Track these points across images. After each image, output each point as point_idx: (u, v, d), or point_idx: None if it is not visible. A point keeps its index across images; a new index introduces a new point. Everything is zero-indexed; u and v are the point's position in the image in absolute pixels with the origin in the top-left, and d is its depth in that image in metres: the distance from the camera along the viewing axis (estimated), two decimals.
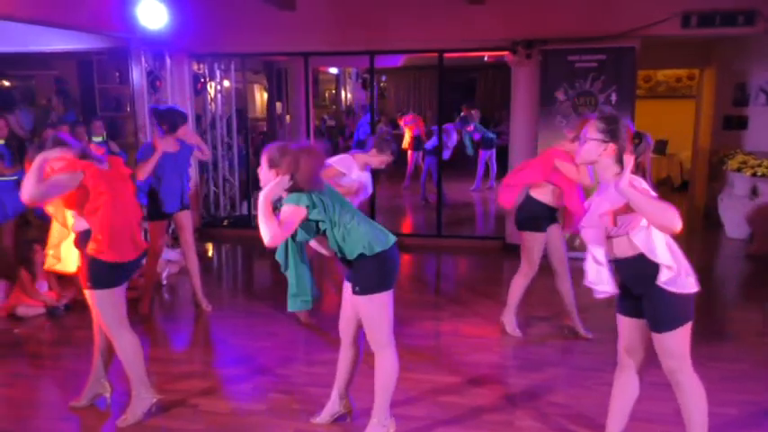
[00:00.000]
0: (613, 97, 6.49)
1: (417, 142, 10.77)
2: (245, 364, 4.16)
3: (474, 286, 5.90)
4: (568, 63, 6.55)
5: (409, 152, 10.90)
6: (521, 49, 6.72)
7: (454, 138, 10.13)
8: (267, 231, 2.66)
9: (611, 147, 2.51)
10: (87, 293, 3.18)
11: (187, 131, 5.04)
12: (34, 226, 7.02)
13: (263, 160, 2.79)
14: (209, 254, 7.36)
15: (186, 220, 5.08)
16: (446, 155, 9.74)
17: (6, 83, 11.04)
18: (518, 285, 4.54)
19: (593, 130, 2.55)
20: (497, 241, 7.36)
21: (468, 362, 4.14)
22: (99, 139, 6.97)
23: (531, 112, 6.87)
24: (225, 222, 8.51)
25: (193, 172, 7.73)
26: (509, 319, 4.61)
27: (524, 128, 6.94)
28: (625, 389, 2.81)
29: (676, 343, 2.56)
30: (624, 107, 6.45)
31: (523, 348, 4.40)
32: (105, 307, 3.15)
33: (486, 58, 10.66)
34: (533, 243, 4.39)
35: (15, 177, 5.83)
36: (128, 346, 3.25)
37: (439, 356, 4.24)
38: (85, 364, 3.77)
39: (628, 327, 2.72)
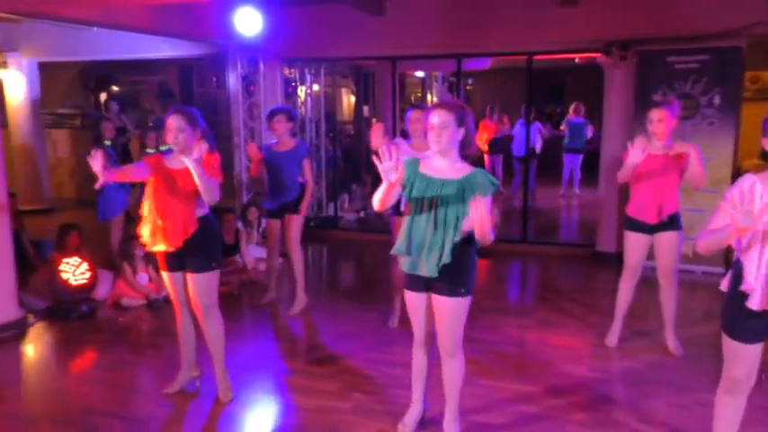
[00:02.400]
0: (716, 100, 6.13)
1: (494, 145, 10.58)
2: (330, 363, 4.22)
3: (562, 294, 5.74)
4: (667, 64, 6.24)
5: (486, 156, 10.74)
6: (615, 50, 6.47)
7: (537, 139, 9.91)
8: (489, 227, 2.56)
9: None
10: (194, 277, 3.40)
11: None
12: (136, 222, 7.45)
13: (443, 118, 2.73)
14: None
15: (291, 221, 5.13)
16: (519, 151, 9.59)
17: (116, 87, 11.79)
18: (619, 293, 4.36)
19: None
20: (586, 249, 7.12)
21: (554, 372, 4.02)
22: None
23: (626, 115, 6.60)
24: (311, 223, 8.69)
25: None
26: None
27: (618, 131, 6.67)
28: (738, 414, 2.63)
29: None
30: (729, 110, 6.08)
31: (614, 361, 4.22)
32: (212, 287, 3.42)
33: (576, 60, 10.36)
34: (625, 242, 4.22)
35: None
36: (220, 329, 3.54)
37: (524, 365, 4.14)
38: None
39: (755, 353, 2.50)
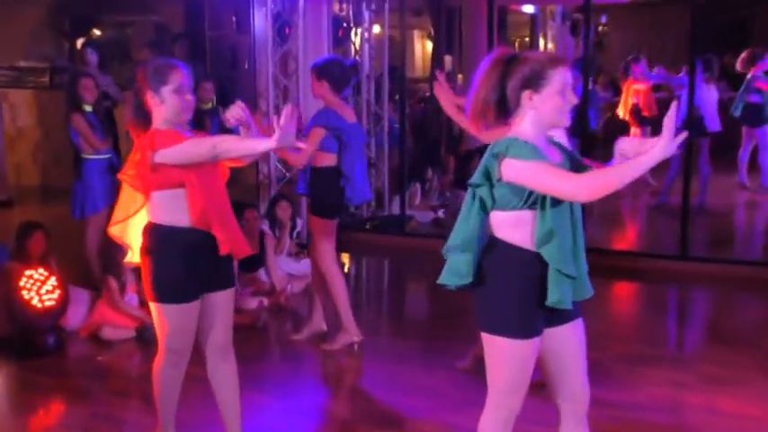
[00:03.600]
0: None
1: (638, 113, 10.32)
2: (393, 429, 4.23)
3: (741, 337, 5.59)
4: None
5: (633, 128, 10.48)
6: None
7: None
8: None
9: None
10: (224, 296, 3.59)
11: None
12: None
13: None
14: (346, 269, 7.59)
15: (311, 220, 5.31)
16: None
17: (98, 32, 12.14)
18: None
19: None
20: None
21: None
22: (208, 105, 7.41)
23: None
24: (368, 225, 8.73)
25: None
26: None
27: None
28: None
29: None
30: None
31: None
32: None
33: None
34: None
35: (108, 156, 6.38)
36: (236, 376, 3.72)
37: None
38: (182, 409, 4.00)
39: None
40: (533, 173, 2.71)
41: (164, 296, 3.46)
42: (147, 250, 3.46)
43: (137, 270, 5.31)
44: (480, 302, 2.95)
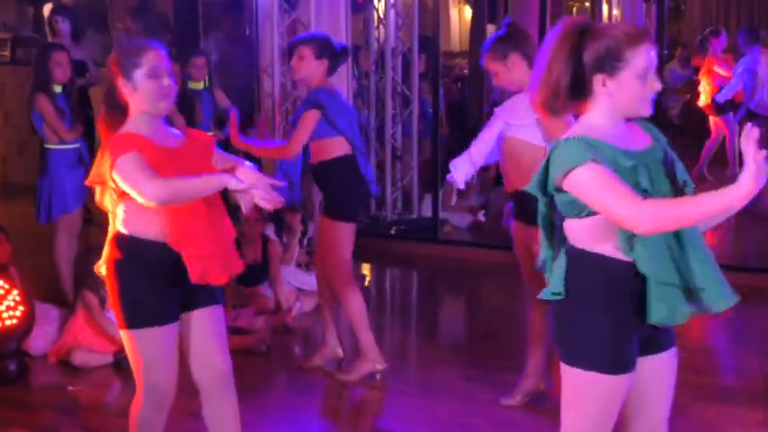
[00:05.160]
0: None
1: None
2: None
3: None
4: None
5: (712, 117, 10.42)
6: None
7: None
8: None
9: None
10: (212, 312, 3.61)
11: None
12: (99, 223, 7.68)
13: None
14: (366, 282, 7.63)
15: (321, 224, 5.35)
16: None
17: None
18: None
19: None
20: None
21: None
22: (199, 85, 7.44)
23: None
24: (393, 230, 8.73)
25: None
26: None
27: None
28: None
29: None
30: None
31: None
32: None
33: None
34: None
35: (77, 146, 6.41)
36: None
37: None
38: None
39: None
40: (590, 185, 2.66)
41: (133, 319, 3.48)
42: (112, 265, 3.48)
43: None
44: (560, 326, 2.91)
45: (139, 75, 3.37)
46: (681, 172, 2.84)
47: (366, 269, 7.84)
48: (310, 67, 5.14)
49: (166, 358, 3.52)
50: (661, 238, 2.72)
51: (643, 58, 2.73)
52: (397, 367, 5.49)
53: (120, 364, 5.51)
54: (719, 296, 2.79)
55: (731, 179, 2.51)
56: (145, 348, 3.47)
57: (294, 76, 5.23)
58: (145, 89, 3.39)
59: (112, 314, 5.60)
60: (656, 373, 2.95)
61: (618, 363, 2.81)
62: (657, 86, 2.77)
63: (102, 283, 5.59)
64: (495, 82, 4.76)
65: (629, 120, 2.85)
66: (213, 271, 3.46)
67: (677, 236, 2.74)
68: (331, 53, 5.16)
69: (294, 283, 6.66)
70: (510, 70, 4.57)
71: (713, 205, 2.54)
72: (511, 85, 4.64)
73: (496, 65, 4.61)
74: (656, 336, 2.87)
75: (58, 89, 6.35)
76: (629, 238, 2.70)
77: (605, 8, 15.03)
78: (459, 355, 5.85)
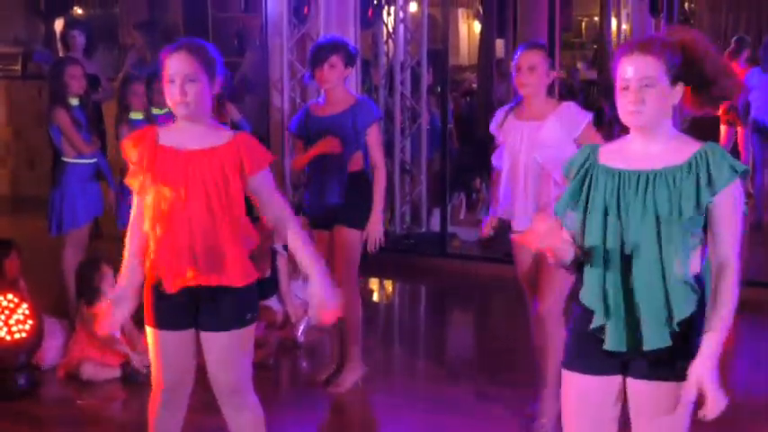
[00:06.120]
0: None
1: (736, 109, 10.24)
2: None
3: None
4: None
5: (723, 127, 10.40)
6: None
7: None
8: None
9: None
10: (220, 336, 3.62)
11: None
12: (106, 237, 7.69)
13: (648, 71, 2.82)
14: (374, 297, 7.63)
15: (342, 236, 5.30)
16: None
17: (80, 10, 12.25)
18: None
19: None
20: None
21: None
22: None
23: None
24: (401, 244, 8.71)
25: None
26: None
27: None
28: None
29: None
30: None
31: None
32: (246, 352, 3.78)
33: None
34: None
35: (94, 160, 6.42)
36: (259, 425, 3.81)
37: None
38: None
39: None
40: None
41: (144, 315, 3.59)
42: None
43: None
44: None
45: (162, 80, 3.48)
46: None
47: (374, 284, 7.83)
48: (341, 77, 5.19)
49: (164, 360, 3.59)
50: (612, 258, 2.85)
51: (620, 71, 2.85)
52: (405, 383, 5.49)
53: (127, 378, 5.54)
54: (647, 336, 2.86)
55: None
56: (150, 345, 3.61)
57: (322, 84, 5.20)
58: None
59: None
60: (631, 397, 2.98)
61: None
62: (628, 99, 2.82)
63: (98, 297, 5.63)
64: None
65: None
66: (166, 280, 3.51)
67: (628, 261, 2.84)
68: (354, 61, 5.31)
69: (303, 296, 6.66)
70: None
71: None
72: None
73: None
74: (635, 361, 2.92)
75: (74, 101, 6.38)
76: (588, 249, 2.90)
77: (614, 22, 15.06)
78: (468, 370, 5.83)
